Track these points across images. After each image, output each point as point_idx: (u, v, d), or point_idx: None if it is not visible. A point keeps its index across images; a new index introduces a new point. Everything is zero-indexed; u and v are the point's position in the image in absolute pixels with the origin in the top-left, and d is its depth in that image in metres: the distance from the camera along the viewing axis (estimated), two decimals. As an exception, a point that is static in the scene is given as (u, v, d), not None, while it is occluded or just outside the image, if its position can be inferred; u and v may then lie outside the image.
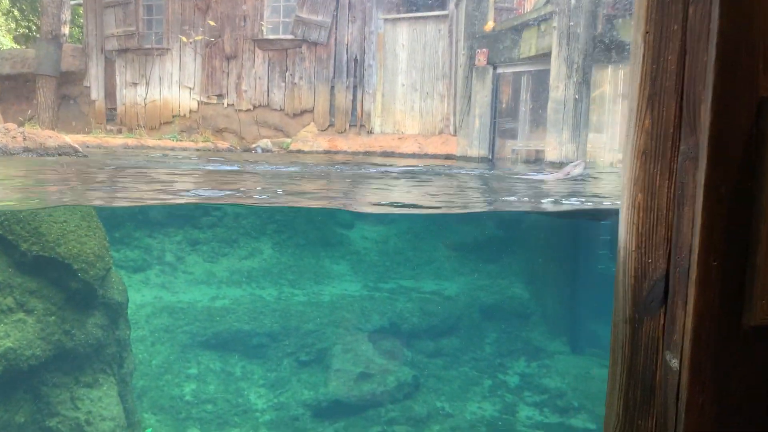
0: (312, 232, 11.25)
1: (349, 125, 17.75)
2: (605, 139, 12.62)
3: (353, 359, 8.42)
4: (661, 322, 1.45)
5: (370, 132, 17.42)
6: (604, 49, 10.70)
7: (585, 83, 10.58)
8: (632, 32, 1.55)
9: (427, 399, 7.86)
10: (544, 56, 11.95)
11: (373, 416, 7.57)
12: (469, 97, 13.75)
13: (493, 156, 13.52)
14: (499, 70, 13.31)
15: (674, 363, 1.36)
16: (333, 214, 10.93)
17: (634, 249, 1.48)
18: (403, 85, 16.89)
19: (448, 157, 15.07)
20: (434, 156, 15.53)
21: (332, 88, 17.92)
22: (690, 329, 1.30)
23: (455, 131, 15.70)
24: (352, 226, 11.50)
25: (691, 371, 1.30)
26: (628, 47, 10.64)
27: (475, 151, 13.56)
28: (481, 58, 13.44)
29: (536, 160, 13.48)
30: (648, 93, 1.47)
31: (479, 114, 13.40)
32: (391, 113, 17.13)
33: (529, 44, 12.37)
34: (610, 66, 12.18)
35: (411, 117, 16.77)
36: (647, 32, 1.48)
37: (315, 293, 9.97)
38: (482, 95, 13.36)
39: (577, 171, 8.16)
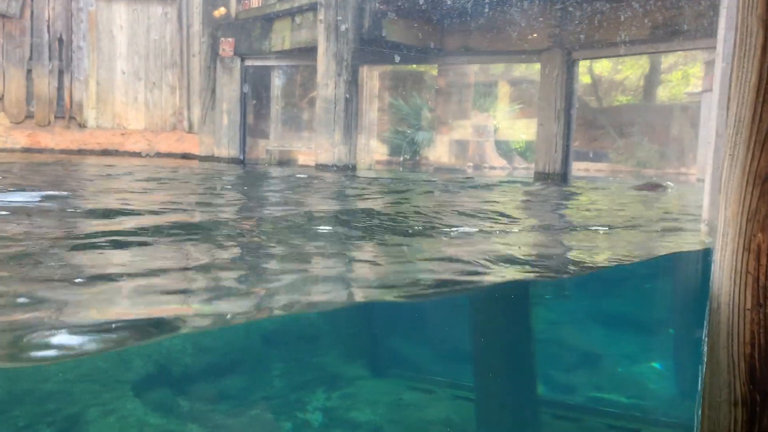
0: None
1: (55, 117, 14.75)
2: (363, 141, 12.26)
3: (119, 423, 6.62)
4: None
5: (83, 126, 14.69)
6: (370, 47, 10.21)
7: (354, 82, 9.97)
8: (729, 16, 1.46)
9: (223, 460, 6.46)
10: (301, 51, 11.08)
11: (159, 496, 5.96)
12: (213, 90, 12.25)
13: (244, 156, 12.24)
14: (248, 63, 12.05)
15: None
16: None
17: (750, 307, 1.13)
18: (124, 72, 14.55)
19: (185, 156, 13.34)
20: (168, 155, 13.65)
21: (29, 72, 14.70)
22: None
23: (191, 127, 13.98)
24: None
25: None
26: (398, 47, 10.29)
27: (224, 151, 12.11)
28: (226, 48, 12.02)
29: (289, 162, 12.59)
30: None
31: (227, 110, 11.99)
32: (109, 104, 14.64)
33: (282, 37, 11.37)
34: (366, 66, 11.81)
35: (135, 109, 14.52)
36: (769, 16, 1.12)
37: (47, 338, 7.72)
38: (229, 89, 11.97)
39: (669, 189, 8.30)
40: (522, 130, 19.66)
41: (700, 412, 1.24)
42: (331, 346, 8.27)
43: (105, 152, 13.85)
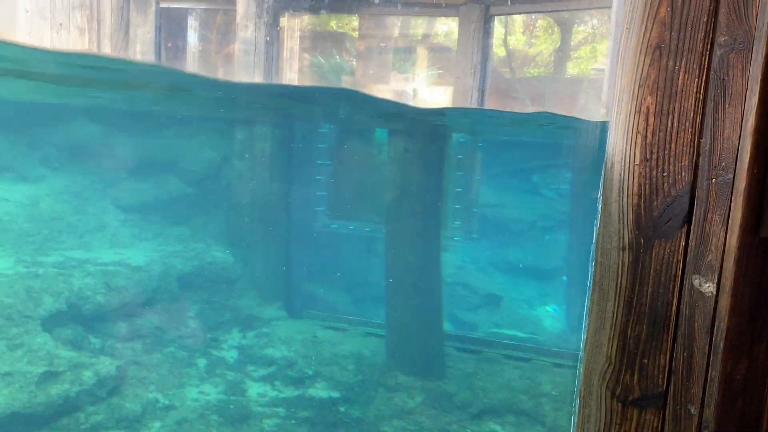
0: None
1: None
2: (282, 90, 12.13)
3: (28, 356, 6.51)
4: (682, 243, 1.28)
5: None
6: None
7: (275, 26, 9.85)
8: None
9: (137, 392, 6.47)
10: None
11: (70, 425, 5.93)
12: (126, 32, 11.76)
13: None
14: (164, 4, 11.63)
15: (708, 287, 1.24)
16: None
17: (638, 162, 1.28)
18: (27, 11, 13.71)
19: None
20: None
21: None
22: (734, 247, 1.18)
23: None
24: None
25: (733, 294, 1.18)
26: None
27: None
28: (140, -12, 11.54)
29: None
30: None
31: (141, 52, 11.54)
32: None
33: (200, -23, 11.06)
34: (287, 14, 11.68)
35: (41, 51, 13.75)
36: None
37: (-52, 276, 7.43)
38: (144, 31, 11.53)
39: None
40: (439, 96, 20.00)
41: (593, 262, 1.37)
42: (247, 290, 8.32)
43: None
